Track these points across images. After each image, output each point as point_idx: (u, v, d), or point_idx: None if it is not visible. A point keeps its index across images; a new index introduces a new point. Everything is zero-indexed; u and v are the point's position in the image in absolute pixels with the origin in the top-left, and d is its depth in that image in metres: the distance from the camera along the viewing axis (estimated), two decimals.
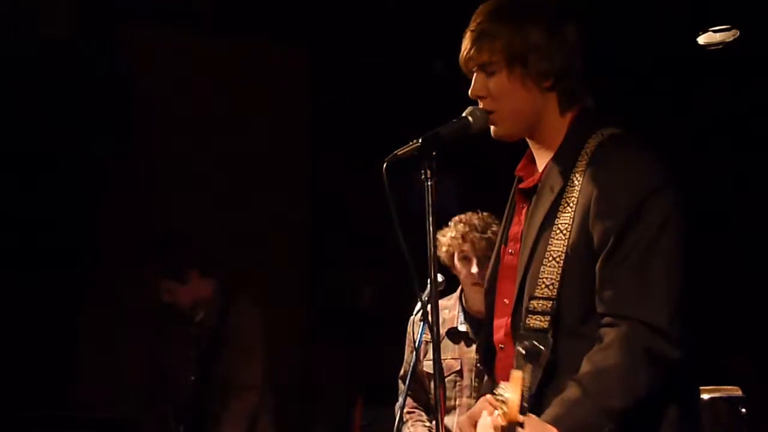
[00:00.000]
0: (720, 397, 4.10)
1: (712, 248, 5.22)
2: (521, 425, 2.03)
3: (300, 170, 6.29)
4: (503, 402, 2.03)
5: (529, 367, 2.06)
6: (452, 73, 2.50)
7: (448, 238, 3.99)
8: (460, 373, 4.03)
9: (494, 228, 3.95)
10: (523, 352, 2.09)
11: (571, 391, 2.14)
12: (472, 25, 2.38)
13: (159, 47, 5.93)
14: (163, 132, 5.91)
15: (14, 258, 5.45)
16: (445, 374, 4.02)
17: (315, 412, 6.14)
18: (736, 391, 4.16)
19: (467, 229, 3.98)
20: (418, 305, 3.54)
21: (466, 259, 4.00)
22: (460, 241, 3.98)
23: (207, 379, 4.87)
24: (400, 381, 4.19)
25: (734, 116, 5.81)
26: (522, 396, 2.03)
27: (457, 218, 4.07)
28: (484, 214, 4.06)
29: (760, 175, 5.72)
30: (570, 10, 2.40)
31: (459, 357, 4.06)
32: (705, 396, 4.06)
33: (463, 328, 4.10)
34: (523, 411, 2.03)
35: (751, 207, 5.70)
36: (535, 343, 2.18)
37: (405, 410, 4.12)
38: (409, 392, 4.06)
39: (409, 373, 3.89)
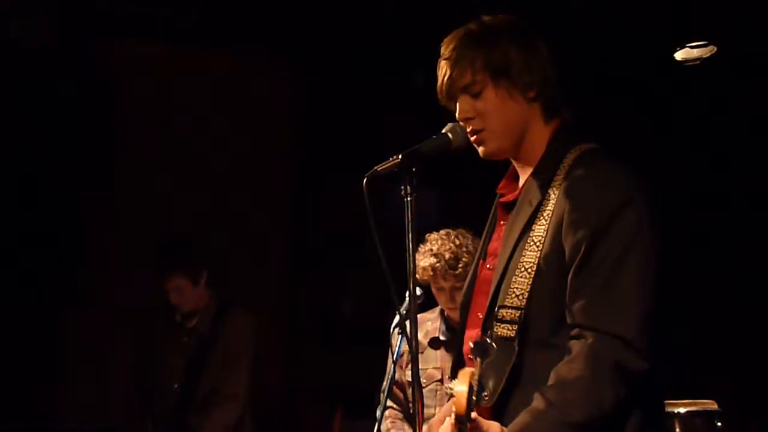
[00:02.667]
0: (696, 411, 4.12)
1: (691, 262, 5.27)
2: (470, 419, 2.07)
3: (282, 183, 6.29)
4: (452, 395, 2.08)
5: (477, 360, 2.09)
6: (434, 88, 2.52)
7: (420, 267, 4.01)
8: (441, 381, 4.08)
9: (465, 258, 3.98)
10: (472, 345, 2.11)
11: (536, 403, 2.17)
12: (447, 53, 2.40)
13: (145, 57, 5.94)
14: (147, 139, 5.91)
15: None
16: (427, 383, 4.09)
17: (295, 424, 6.14)
18: (712, 405, 4.18)
19: (439, 264, 4.01)
20: (397, 318, 3.57)
21: (440, 290, 4.06)
22: (431, 274, 4.02)
23: (192, 388, 4.88)
24: (381, 394, 4.21)
25: (712, 132, 5.85)
26: (470, 387, 2.06)
27: (429, 244, 4.08)
28: (459, 240, 4.06)
29: (740, 192, 5.77)
30: (536, 29, 2.45)
31: (440, 366, 4.11)
32: (681, 410, 4.09)
33: (444, 338, 4.15)
34: (470, 403, 2.06)
35: (731, 222, 5.75)
36: (486, 339, 2.23)
37: (388, 421, 4.15)
38: (390, 405, 4.09)
39: (387, 385, 3.91)
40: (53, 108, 5.56)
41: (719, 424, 4.11)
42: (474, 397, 2.07)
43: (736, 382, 5.48)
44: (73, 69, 5.61)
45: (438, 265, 4.00)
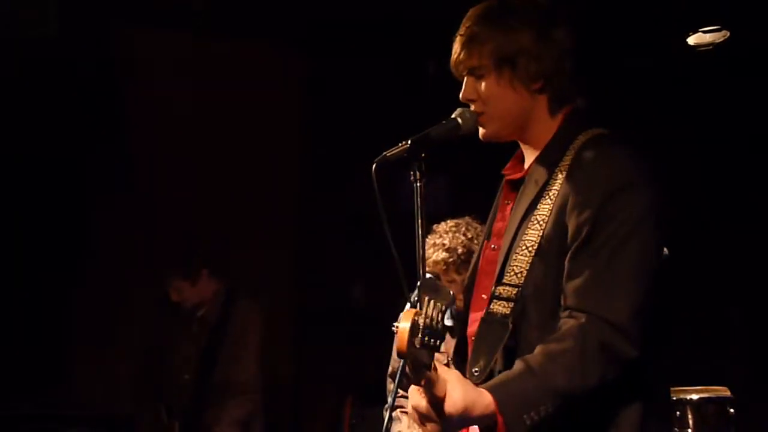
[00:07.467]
0: (708, 398, 4.12)
1: (705, 248, 5.24)
2: (410, 355, 2.05)
3: (293, 170, 6.29)
4: (396, 333, 2.02)
5: (425, 297, 2.06)
6: (446, 74, 2.51)
7: (431, 260, 3.98)
8: (447, 366, 4.05)
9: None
10: (419, 283, 2.07)
11: (516, 366, 2.16)
12: (462, 30, 2.40)
13: (153, 46, 5.94)
14: (157, 131, 5.92)
15: (8, 256, 5.45)
16: None
17: (304, 410, 6.15)
18: (724, 392, 4.17)
19: (452, 259, 3.98)
20: (408, 305, 3.55)
21: (452, 283, 4.03)
22: (443, 268, 3.99)
23: (205, 377, 4.92)
24: (389, 379, 4.20)
25: (725, 117, 5.82)
26: (413, 324, 2.01)
27: (441, 238, 4.05)
28: (470, 232, 4.03)
29: (754, 175, 5.74)
30: (560, 13, 2.42)
31: (446, 351, 4.08)
32: (693, 396, 4.09)
33: (449, 323, 4.12)
34: (411, 340, 2.03)
35: (747, 205, 5.72)
36: (435, 279, 2.21)
37: (399, 410, 4.13)
38: (399, 392, 4.07)
39: (399, 372, 3.88)
40: (63, 101, 5.57)
41: (732, 410, 4.11)
42: (419, 335, 2.03)
43: (749, 369, 5.46)
44: (79, 58, 5.61)
45: (451, 260, 3.99)
